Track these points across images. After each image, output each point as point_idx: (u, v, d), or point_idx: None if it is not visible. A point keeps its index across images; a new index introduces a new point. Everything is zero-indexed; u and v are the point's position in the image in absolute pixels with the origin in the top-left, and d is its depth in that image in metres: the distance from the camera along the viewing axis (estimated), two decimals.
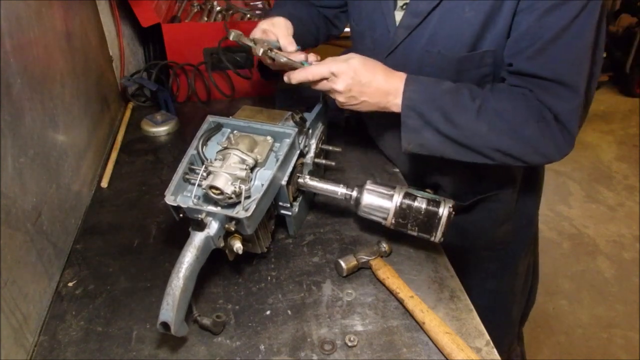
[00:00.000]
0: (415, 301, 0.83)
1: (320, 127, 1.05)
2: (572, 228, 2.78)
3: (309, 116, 1.00)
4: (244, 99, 1.62)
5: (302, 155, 0.97)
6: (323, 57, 0.96)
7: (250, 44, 0.98)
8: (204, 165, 0.86)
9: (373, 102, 0.92)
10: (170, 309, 0.73)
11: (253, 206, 0.79)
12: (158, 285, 0.89)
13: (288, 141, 0.91)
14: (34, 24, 0.90)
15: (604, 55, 3.62)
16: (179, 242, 0.80)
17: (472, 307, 0.86)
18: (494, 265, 1.26)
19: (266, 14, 1.63)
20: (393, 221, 0.89)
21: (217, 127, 0.96)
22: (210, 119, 0.95)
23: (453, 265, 0.95)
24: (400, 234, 0.93)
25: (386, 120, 1.13)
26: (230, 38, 0.98)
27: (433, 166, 1.12)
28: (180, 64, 1.52)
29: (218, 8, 1.72)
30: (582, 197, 3.04)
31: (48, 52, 0.96)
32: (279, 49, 1.01)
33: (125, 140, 1.37)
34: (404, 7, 0.99)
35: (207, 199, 0.86)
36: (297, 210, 0.98)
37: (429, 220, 0.87)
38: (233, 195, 0.81)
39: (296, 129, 0.92)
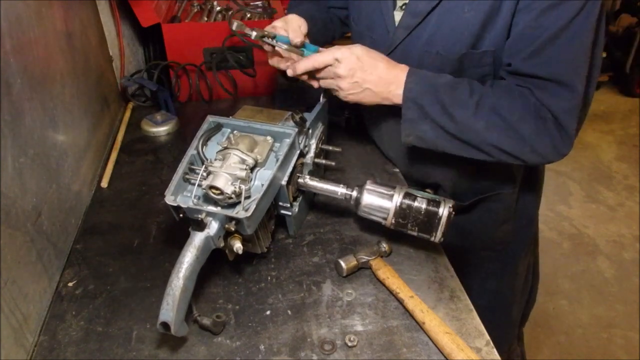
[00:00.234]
0: (415, 301, 0.83)
1: (320, 127, 1.05)
2: (572, 228, 2.78)
3: (309, 116, 1.00)
4: (246, 98, 1.61)
5: (302, 155, 0.97)
6: None
7: (251, 32, 0.99)
8: (204, 165, 0.86)
9: (376, 91, 0.93)
10: (170, 309, 0.73)
11: (253, 206, 0.79)
12: (158, 285, 0.89)
13: (288, 141, 0.91)
14: (34, 24, 0.90)
15: (604, 55, 3.63)
16: (179, 242, 0.80)
17: (472, 307, 0.86)
18: (494, 265, 1.25)
19: (266, 13, 1.64)
20: (393, 221, 0.89)
21: (217, 127, 0.96)
22: (210, 119, 0.95)
23: (453, 265, 0.95)
24: (400, 234, 0.93)
25: (386, 120, 1.14)
26: (233, 28, 1.00)
27: (433, 166, 1.12)
28: (182, 64, 1.52)
29: (218, 8, 1.72)
30: (582, 197, 3.04)
31: (48, 52, 0.96)
32: (289, 43, 1.02)
33: (125, 140, 1.37)
34: (403, 7, 0.99)
35: (207, 199, 0.86)
36: (297, 210, 0.98)
37: (429, 220, 0.87)
38: (233, 195, 0.81)
39: (296, 129, 0.92)
